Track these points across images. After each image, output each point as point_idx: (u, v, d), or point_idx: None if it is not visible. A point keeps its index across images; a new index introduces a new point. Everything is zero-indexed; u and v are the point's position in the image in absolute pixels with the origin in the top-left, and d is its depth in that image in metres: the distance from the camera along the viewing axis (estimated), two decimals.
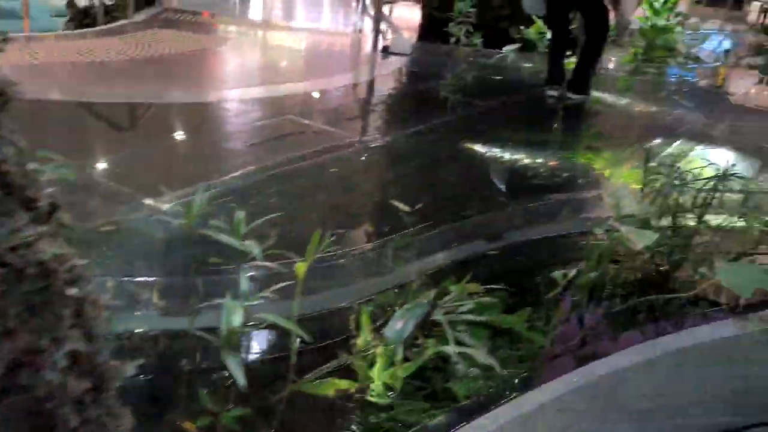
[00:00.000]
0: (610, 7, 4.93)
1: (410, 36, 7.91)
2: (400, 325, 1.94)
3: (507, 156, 3.90)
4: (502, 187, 3.42)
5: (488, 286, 2.29)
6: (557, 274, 2.32)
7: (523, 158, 3.87)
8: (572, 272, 2.31)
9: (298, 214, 2.71)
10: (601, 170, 3.69)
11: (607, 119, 4.94)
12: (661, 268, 2.34)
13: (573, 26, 5.39)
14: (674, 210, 2.38)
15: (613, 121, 4.87)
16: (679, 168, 2.53)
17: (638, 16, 8.19)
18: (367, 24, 7.52)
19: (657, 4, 8.07)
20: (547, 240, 2.73)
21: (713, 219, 2.42)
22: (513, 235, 2.73)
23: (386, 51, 6.28)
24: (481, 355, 1.78)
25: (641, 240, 1.90)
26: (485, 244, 2.63)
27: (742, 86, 7.57)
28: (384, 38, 6.63)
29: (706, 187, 2.40)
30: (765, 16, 11.73)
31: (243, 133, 3.87)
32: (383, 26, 6.86)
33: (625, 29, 4.96)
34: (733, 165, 2.65)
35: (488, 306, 2.19)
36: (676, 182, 2.45)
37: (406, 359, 1.85)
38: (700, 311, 2.22)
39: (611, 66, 6.86)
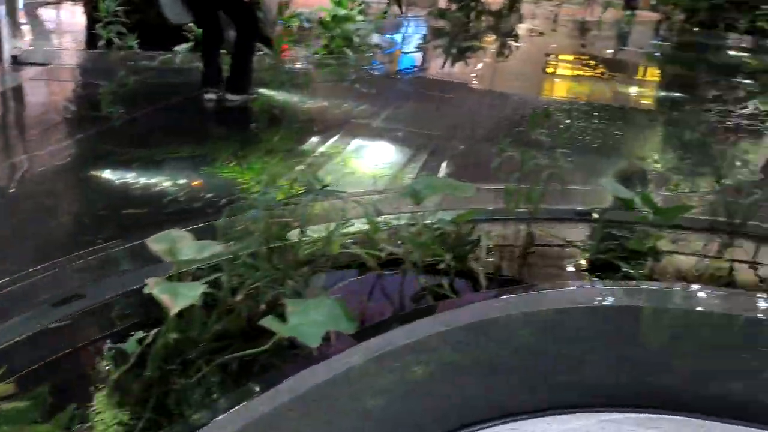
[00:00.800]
0: None
1: (76, 42, 6.85)
2: None
3: (142, 180, 3.29)
4: (120, 224, 2.81)
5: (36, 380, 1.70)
6: (130, 342, 1.79)
7: (162, 180, 3.29)
8: (151, 335, 1.81)
9: None
10: (246, 185, 3.27)
11: (272, 120, 4.59)
12: (260, 309, 1.94)
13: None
14: (273, 232, 2.00)
15: (278, 122, 4.53)
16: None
17: (322, 7, 8.15)
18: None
19: None
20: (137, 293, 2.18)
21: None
22: (96, 293, 2.14)
23: (17, 61, 5.21)
24: None
25: (179, 300, 1.45)
26: (44, 314, 2.00)
27: (435, 66, 7.99)
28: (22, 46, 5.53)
29: (301, 201, 2.06)
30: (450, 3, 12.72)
31: None
32: (24, 32, 5.75)
33: (273, 24, 4.67)
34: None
35: (16, 414, 1.59)
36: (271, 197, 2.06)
37: None
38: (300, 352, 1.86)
39: (287, 60, 6.61)
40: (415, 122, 4.65)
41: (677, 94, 6.86)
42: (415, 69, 7.49)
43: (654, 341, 2.19)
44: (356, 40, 7.01)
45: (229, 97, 4.60)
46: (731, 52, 10.80)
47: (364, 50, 7.20)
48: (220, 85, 4.62)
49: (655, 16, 15.68)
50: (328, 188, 2.02)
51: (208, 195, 3.14)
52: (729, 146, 4.89)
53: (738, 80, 7.94)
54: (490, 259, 2.48)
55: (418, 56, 8.43)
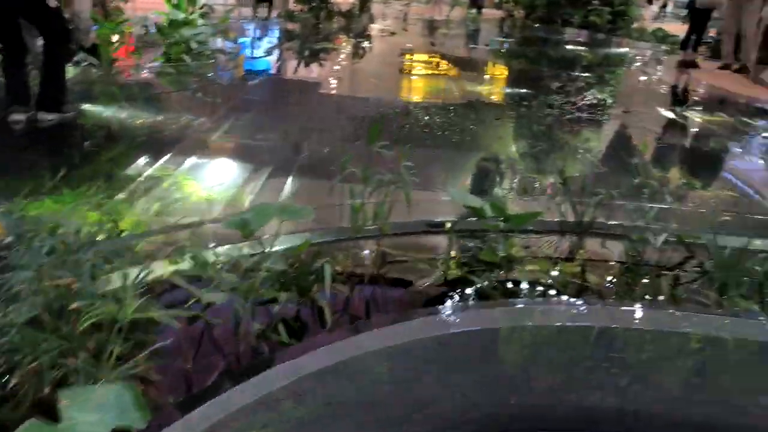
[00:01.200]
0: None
1: None
2: None
3: None
4: None
5: None
6: None
7: None
8: None
9: None
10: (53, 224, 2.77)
11: (96, 141, 4.05)
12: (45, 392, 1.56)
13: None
14: (53, 295, 1.61)
15: (103, 143, 4.01)
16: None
17: (160, 11, 7.58)
18: None
19: None
20: None
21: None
22: None
23: None
24: None
25: None
26: None
27: (287, 70, 7.68)
28: None
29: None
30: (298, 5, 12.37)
31: None
32: None
33: (87, 31, 4.14)
34: None
35: None
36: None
37: None
38: None
39: (119, 71, 6.01)
40: (259, 133, 4.33)
41: (524, 89, 7.05)
42: (266, 73, 7.14)
43: (512, 362, 2.06)
44: (195, 46, 6.52)
45: (41, 116, 4.00)
46: (569, 47, 11.44)
47: (206, 56, 6.73)
48: (28, 103, 4.01)
49: (499, 13, 16.37)
50: (125, 233, 1.66)
51: (7, 240, 2.62)
52: (573, 137, 5.03)
53: (576, 73, 8.35)
54: (338, 288, 2.24)
55: (269, 60, 8.08)
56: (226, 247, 2.38)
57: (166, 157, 3.57)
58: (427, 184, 3.72)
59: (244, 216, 2.03)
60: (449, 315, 2.08)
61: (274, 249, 2.41)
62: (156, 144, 3.89)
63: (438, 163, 4.22)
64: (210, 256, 2.16)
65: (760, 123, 6.26)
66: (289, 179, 3.35)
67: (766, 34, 9.09)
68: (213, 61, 6.64)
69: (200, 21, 7.65)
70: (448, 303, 2.20)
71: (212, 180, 3.29)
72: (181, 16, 7.40)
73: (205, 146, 3.88)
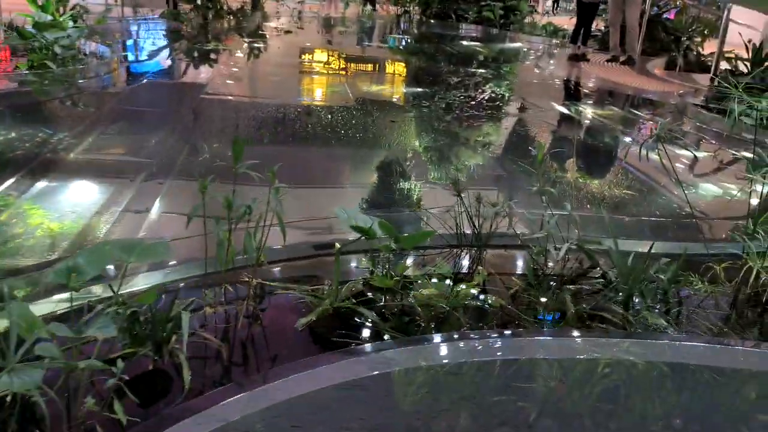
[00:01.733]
0: None
1: None
2: None
3: None
4: None
5: None
6: None
7: None
8: None
9: None
10: None
11: None
12: None
13: None
14: None
15: None
16: None
17: (24, 12, 6.83)
18: None
19: None
20: None
21: None
22: None
23: None
24: None
25: None
26: None
27: (173, 73, 7.11)
28: None
29: None
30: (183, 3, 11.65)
31: None
32: None
33: None
34: None
35: None
36: None
37: None
38: None
39: None
40: (129, 147, 3.86)
41: (423, 86, 6.88)
42: (146, 78, 6.57)
43: (408, 405, 1.80)
44: (59, 51, 5.88)
45: None
46: (464, 42, 11.46)
47: (76, 61, 6.07)
48: None
49: (394, 10, 16.28)
50: None
51: None
52: (472, 134, 4.89)
53: (473, 69, 8.30)
54: (205, 336, 1.90)
55: (151, 63, 7.49)
56: (62, 295, 1.99)
57: (9, 182, 3.07)
58: (321, 195, 3.44)
59: (75, 261, 1.65)
60: (338, 361, 1.80)
61: (132, 289, 2.05)
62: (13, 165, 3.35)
63: (335, 168, 3.95)
64: (38, 310, 1.76)
65: (648, 113, 6.41)
66: (156, 203, 2.95)
67: (648, 26, 9.43)
68: (84, 66, 6.01)
69: (71, 23, 6.96)
70: (338, 348, 1.91)
71: (65, 208, 2.83)
72: (47, 17, 6.70)
73: (62, 166, 3.38)
